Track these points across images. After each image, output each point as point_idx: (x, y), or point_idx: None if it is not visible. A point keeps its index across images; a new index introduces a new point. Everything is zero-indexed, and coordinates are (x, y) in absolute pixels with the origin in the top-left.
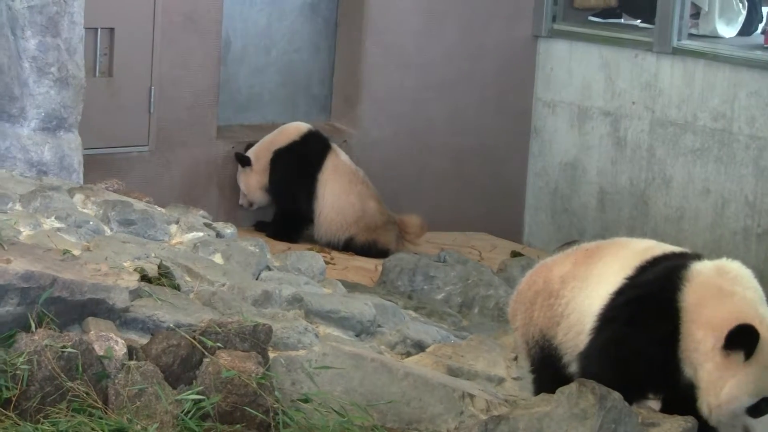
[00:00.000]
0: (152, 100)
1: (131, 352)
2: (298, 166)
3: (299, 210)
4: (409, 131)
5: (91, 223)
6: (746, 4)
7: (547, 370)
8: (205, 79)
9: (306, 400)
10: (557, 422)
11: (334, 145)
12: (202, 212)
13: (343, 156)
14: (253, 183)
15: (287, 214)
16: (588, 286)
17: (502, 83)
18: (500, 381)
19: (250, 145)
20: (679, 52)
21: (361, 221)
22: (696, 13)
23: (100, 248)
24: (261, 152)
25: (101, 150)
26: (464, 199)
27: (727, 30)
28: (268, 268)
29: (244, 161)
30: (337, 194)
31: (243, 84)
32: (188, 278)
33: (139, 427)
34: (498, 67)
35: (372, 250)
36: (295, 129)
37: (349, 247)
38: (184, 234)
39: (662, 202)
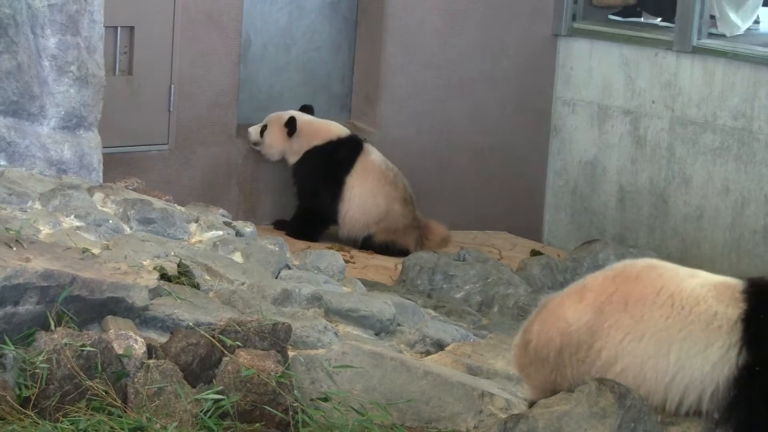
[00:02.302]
0: (172, 98)
1: (150, 350)
2: (327, 169)
3: (321, 209)
4: (429, 130)
5: (110, 221)
6: None
7: None
8: (225, 77)
9: (325, 399)
10: (576, 421)
11: (366, 145)
12: (221, 211)
13: (374, 155)
14: (281, 148)
15: (308, 213)
16: (655, 339)
17: (522, 82)
18: (520, 380)
19: (305, 108)
20: (699, 50)
21: (383, 222)
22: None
23: (119, 247)
24: (302, 136)
25: (121, 148)
26: (484, 197)
27: (743, 23)
28: (288, 267)
29: (292, 130)
30: (364, 196)
31: (263, 83)
32: (208, 277)
33: (158, 425)
34: (518, 66)
35: (390, 250)
36: (336, 131)
37: (367, 244)
38: (203, 233)
39: (682, 201)
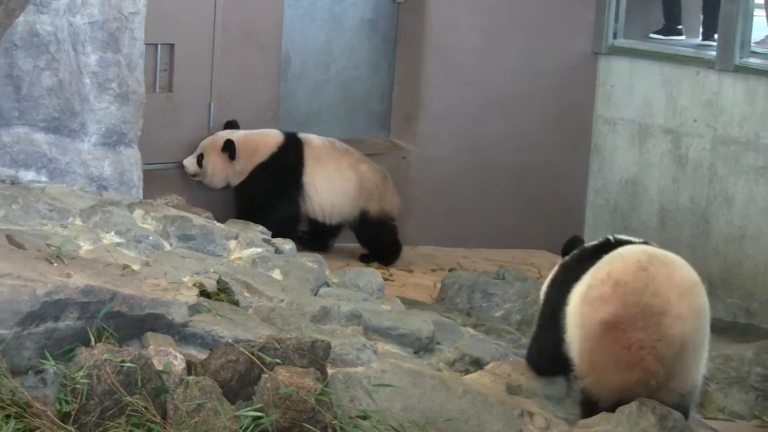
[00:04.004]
0: (211, 115)
1: (190, 367)
2: (280, 181)
3: (288, 216)
4: (468, 148)
5: (150, 238)
6: None
7: None
8: (265, 94)
9: (364, 417)
10: None
11: (302, 136)
12: (260, 228)
13: (315, 140)
14: (224, 173)
15: (280, 223)
16: None
17: (562, 100)
18: (559, 399)
19: (229, 124)
20: (741, 69)
21: (364, 189)
22: None
23: (159, 263)
24: (242, 156)
25: (161, 165)
26: (524, 216)
27: None
28: (327, 284)
29: (232, 154)
30: (331, 180)
31: (302, 100)
32: (247, 294)
33: None
34: (558, 84)
35: (386, 228)
36: (273, 141)
37: (363, 225)
38: (242, 249)
39: (724, 221)
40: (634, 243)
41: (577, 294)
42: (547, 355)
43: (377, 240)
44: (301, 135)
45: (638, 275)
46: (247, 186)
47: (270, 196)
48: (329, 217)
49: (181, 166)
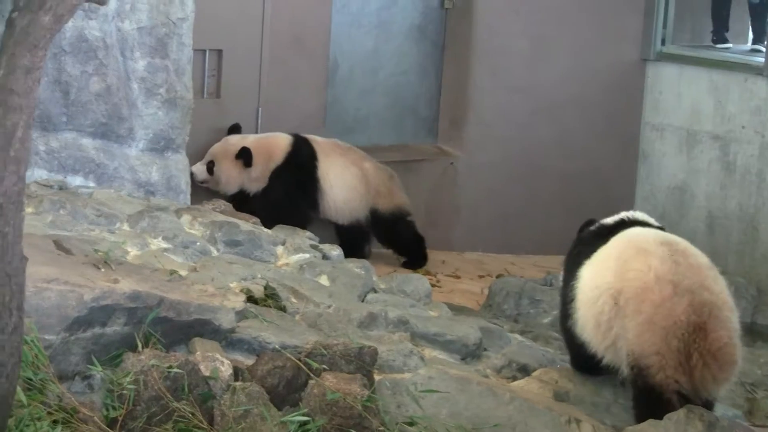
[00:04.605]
0: (259, 121)
1: (237, 373)
2: (300, 180)
3: (302, 217)
4: (516, 154)
5: (197, 243)
6: None
7: None
8: (312, 100)
9: (412, 423)
10: None
11: (307, 136)
12: (308, 234)
13: (319, 138)
14: (239, 180)
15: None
16: None
17: (610, 107)
18: (607, 406)
19: (234, 128)
20: None
21: (371, 186)
22: None
23: (206, 269)
24: (259, 162)
25: None
26: (572, 223)
27: None
28: (374, 291)
29: (248, 161)
30: (341, 177)
31: (350, 106)
32: (294, 300)
33: None
34: (606, 90)
35: (402, 223)
36: (284, 142)
37: (377, 223)
38: (290, 255)
39: None
40: (648, 225)
41: (604, 280)
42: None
43: (395, 236)
44: (306, 135)
45: (678, 268)
46: (270, 192)
47: (292, 198)
48: (342, 216)
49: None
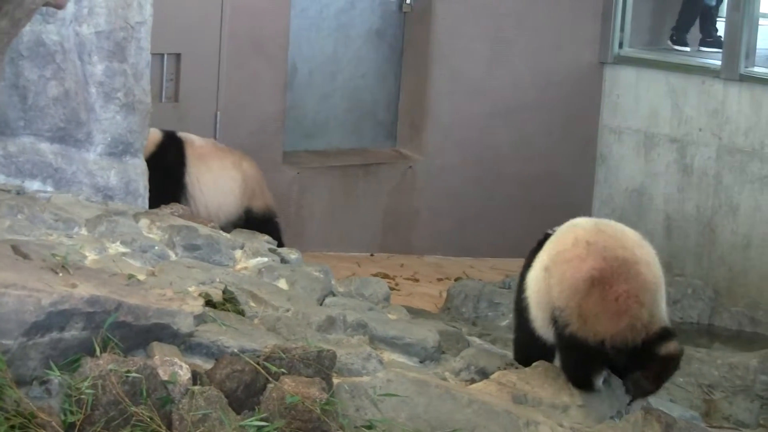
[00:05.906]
0: (218, 125)
1: (195, 377)
2: (161, 180)
3: None
4: (475, 158)
5: (156, 248)
6: None
7: None
8: (271, 104)
9: (370, 427)
10: None
11: (181, 135)
12: (266, 237)
13: (196, 139)
14: None
15: None
16: None
17: (568, 110)
18: (565, 408)
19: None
20: (746, 79)
21: (248, 187)
22: None
23: (165, 273)
24: None
25: None
26: (530, 225)
27: None
28: (333, 294)
29: None
30: (215, 180)
31: (309, 110)
32: (253, 303)
33: None
34: (564, 93)
35: (272, 224)
36: (151, 139)
37: (249, 223)
38: (248, 259)
39: (729, 230)
40: None
41: (541, 261)
42: (526, 338)
43: None
44: (181, 134)
45: (600, 235)
46: None
47: (152, 200)
48: (215, 219)
49: None
